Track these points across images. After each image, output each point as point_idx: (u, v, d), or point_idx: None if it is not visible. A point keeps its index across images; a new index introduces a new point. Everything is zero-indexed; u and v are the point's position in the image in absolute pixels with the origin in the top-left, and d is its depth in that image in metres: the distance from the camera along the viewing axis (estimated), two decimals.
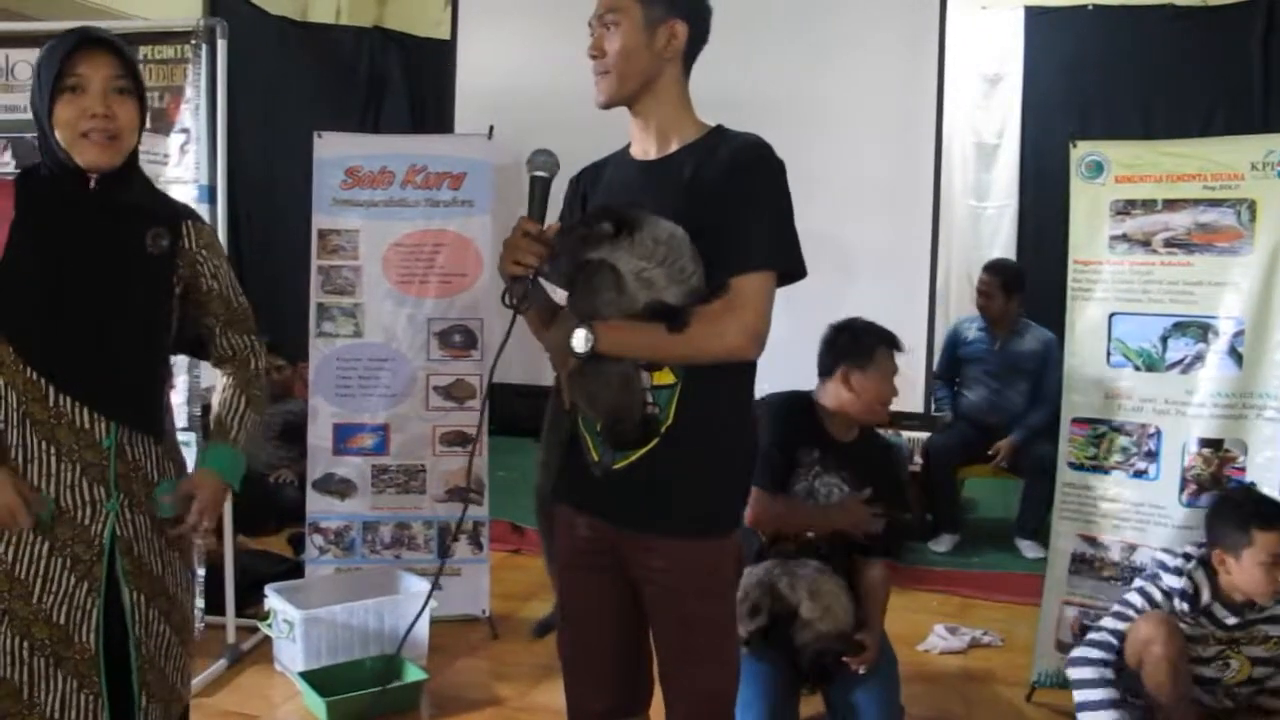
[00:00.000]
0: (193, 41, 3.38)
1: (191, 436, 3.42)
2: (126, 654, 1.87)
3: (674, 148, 1.88)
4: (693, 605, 1.86)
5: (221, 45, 3.37)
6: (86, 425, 1.82)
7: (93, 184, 1.86)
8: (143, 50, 3.38)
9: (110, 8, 4.83)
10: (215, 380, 2.14)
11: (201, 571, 3.46)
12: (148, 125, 3.34)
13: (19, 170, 1.92)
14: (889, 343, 2.89)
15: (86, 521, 1.83)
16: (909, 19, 3.96)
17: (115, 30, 3.43)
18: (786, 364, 3.82)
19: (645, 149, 1.92)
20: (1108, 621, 2.94)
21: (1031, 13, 6.06)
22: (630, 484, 1.83)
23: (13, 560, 1.79)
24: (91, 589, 1.83)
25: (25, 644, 1.79)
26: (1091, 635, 2.96)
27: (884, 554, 3.03)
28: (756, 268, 1.76)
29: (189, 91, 3.40)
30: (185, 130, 3.40)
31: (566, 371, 1.82)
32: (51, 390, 1.80)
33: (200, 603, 3.46)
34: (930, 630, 3.92)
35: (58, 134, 1.81)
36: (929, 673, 3.63)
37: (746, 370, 1.88)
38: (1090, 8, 5.98)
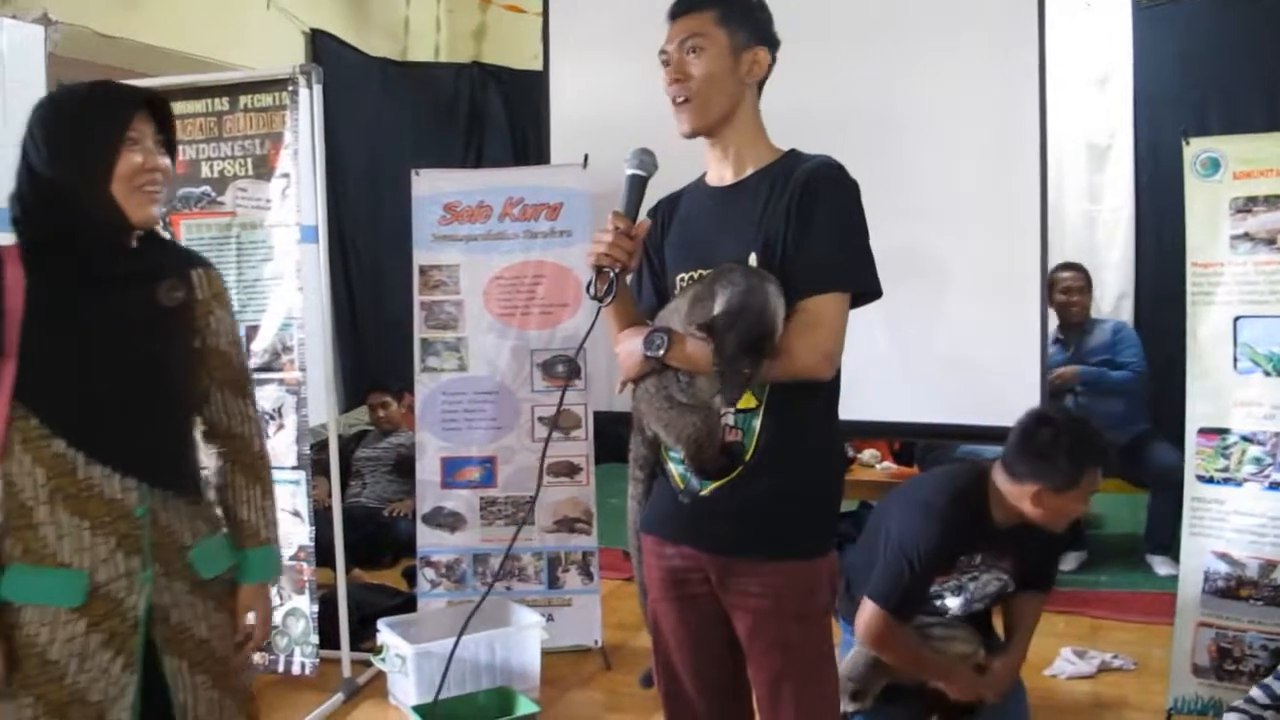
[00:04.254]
0: (290, 88, 3.47)
1: (301, 475, 3.50)
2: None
3: (748, 172, 1.89)
4: (788, 629, 1.84)
5: (317, 90, 3.45)
6: (118, 495, 1.75)
7: (135, 242, 1.81)
8: (243, 99, 3.50)
9: (214, 59, 5.00)
10: (210, 458, 1.97)
11: (315, 607, 3.53)
12: (249, 172, 3.47)
13: (21, 236, 1.77)
14: (1098, 462, 2.48)
15: (122, 595, 1.74)
16: (1006, 21, 3.83)
17: (214, 82, 3.59)
18: (886, 384, 3.76)
19: (721, 175, 1.94)
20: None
21: (1139, 7, 5.84)
22: (719, 510, 1.84)
23: (46, 642, 1.70)
24: (128, 664, 1.75)
25: None
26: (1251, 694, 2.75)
27: (1046, 587, 2.80)
28: (828, 288, 1.76)
29: (288, 137, 3.49)
30: (285, 175, 3.49)
31: (629, 377, 1.87)
32: (81, 461, 1.72)
33: (314, 638, 3.54)
34: (1057, 654, 3.76)
35: (115, 188, 1.73)
36: (1057, 700, 3.47)
37: (828, 392, 1.86)
38: None
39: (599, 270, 1.79)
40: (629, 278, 1.90)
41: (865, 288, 1.82)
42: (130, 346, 1.78)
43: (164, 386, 1.83)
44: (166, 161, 1.82)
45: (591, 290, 1.80)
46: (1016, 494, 2.51)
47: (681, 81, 1.85)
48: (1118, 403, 4.75)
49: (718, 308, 1.69)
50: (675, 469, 1.90)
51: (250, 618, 1.96)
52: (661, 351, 1.78)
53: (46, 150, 1.73)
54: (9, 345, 1.70)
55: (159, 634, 1.79)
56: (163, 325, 1.82)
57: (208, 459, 1.97)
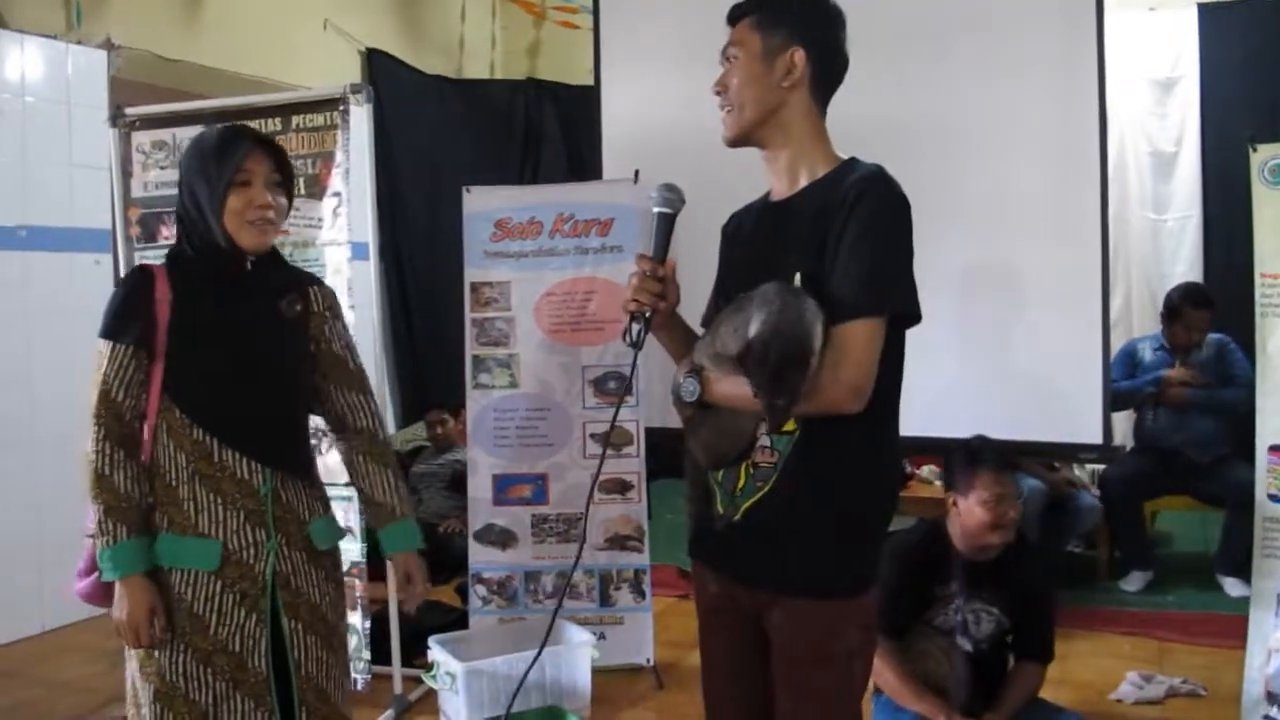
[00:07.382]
0: (340, 108, 3.49)
1: (353, 492, 3.48)
2: (289, 676, 2.07)
3: (801, 185, 1.79)
4: (805, 671, 1.75)
5: (367, 109, 3.48)
6: (246, 476, 2.03)
7: (249, 265, 2.07)
8: (295, 119, 3.53)
9: (273, 80, 5.07)
10: (340, 450, 2.25)
11: (368, 623, 3.54)
12: (301, 191, 3.54)
13: (167, 256, 2.11)
14: (992, 464, 2.76)
15: (251, 561, 2.03)
16: (1064, 25, 3.73)
17: (267, 103, 3.63)
18: (942, 399, 3.68)
19: (779, 189, 1.84)
20: None
21: (1205, 10, 5.70)
22: (747, 539, 1.77)
23: (191, 598, 1.99)
24: (260, 620, 2.03)
25: (209, 670, 2.00)
26: None
27: (1044, 659, 2.90)
28: (855, 315, 1.63)
29: (339, 156, 3.51)
30: (337, 194, 3.51)
31: (684, 420, 1.82)
32: (216, 447, 2.01)
33: (367, 654, 3.54)
34: (1122, 678, 3.63)
35: (226, 221, 2.01)
36: None
37: (872, 420, 1.70)
38: None
39: (631, 316, 1.76)
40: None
41: (897, 311, 1.67)
42: (257, 351, 2.07)
43: (284, 384, 2.12)
44: (277, 198, 2.07)
45: (625, 338, 1.76)
46: (951, 514, 2.81)
47: (721, 92, 1.80)
48: (1209, 423, 4.58)
49: (752, 331, 1.62)
50: (718, 493, 1.82)
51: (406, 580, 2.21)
52: (695, 398, 1.74)
53: (184, 187, 2.05)
54: (159, 349, 2.00)
55: (281, 598, 2.06)
56: (283, 333, 2.12)
57: (336, 450, 2.26)
